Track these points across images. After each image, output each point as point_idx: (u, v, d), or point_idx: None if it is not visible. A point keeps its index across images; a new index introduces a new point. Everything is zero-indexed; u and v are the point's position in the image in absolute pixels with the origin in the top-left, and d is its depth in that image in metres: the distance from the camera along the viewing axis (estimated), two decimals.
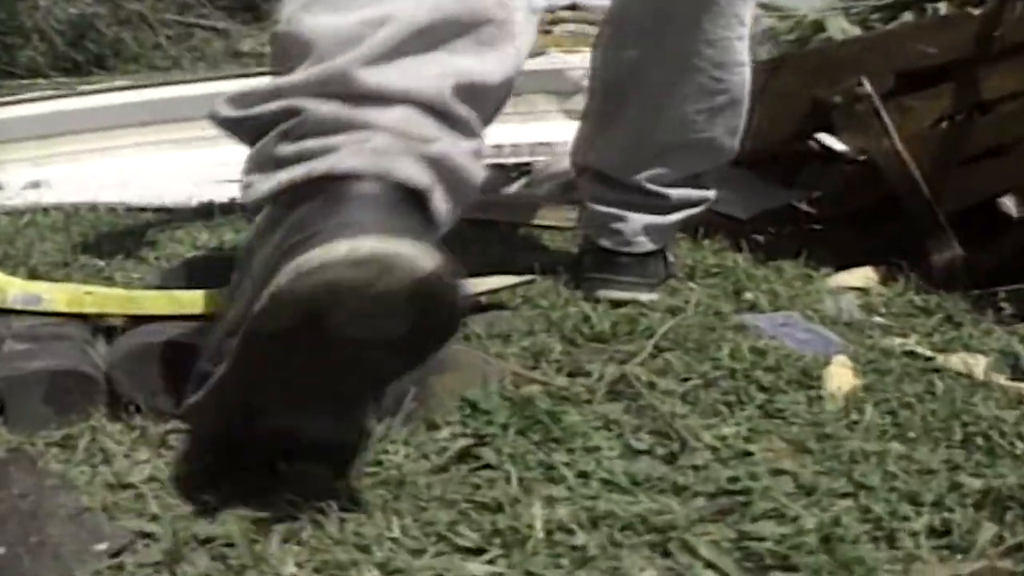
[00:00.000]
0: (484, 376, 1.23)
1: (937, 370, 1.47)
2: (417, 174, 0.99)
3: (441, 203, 1.02)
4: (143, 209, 2.19)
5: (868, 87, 1.99)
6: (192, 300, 1.28)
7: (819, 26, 2.22)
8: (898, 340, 1.58)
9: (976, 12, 2.00)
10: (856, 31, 2.25)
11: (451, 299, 0.92)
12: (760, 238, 2.07)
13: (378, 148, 0.98)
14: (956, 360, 1.51)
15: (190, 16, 5.23)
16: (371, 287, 0.88)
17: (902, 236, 2.08)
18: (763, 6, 2.75)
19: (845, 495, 1.08)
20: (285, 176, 0.99)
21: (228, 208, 2.20)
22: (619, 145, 1.68)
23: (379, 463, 1.06)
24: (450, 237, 1.04)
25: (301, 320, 0.89)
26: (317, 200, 0.95)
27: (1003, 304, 1.78)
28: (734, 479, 1.07)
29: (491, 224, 2.08)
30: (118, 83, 3.00)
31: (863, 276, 1.89)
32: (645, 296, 1.66)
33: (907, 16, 2.23)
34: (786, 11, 2.63)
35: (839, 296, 1.77)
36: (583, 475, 1.07)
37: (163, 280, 1.53)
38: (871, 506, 1.05)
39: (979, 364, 1.51)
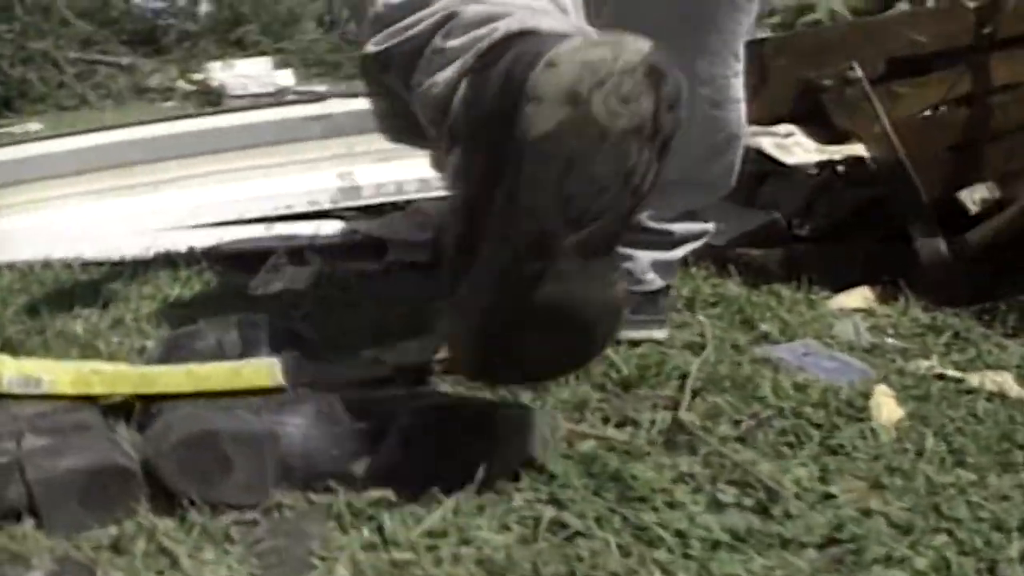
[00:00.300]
0: (543, 437, 1.15)
1: (970, 391, 1.46)
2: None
3: None
4: (100, 264, 2.06)
5: (859, 72, 1.97)
6: (212, 375, 1.20)
7: (806, 9, 2.19)
8: (924, 363, 1.56)
9: (971, 4, 1.98)
10: (845, 14, 2.24)
11: (675, 75, 1.02)
12: (745, 261, 2.03)
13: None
14: (985, 379, 1.50)
15: (93, 52, 5.06)
16: (616, 61, 0.96)
17: (885, 246, 2.08)
18: None
19: (938, 530, 1.07)
20: (469, 54, 1.07)
21: (191, 258, 2.09)
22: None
23: (465, 541, 0.99)
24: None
25: (570, 114, 0.96)
26: (512, 50, 1.03)
27: (1006, 316, 1.76)
28: (838, 526, 1.05)
29: None
30: (41, 130, 2.85)
31: (861, 296, 1.86)
32: (658, 333, 1.62)
33: (902, 5, 2.23)
34: None
35: (846, 319, 1.73)
36: (680, 535, 1.02)
37: (155, 348, 1.41)
38: (966, 539, 1.05)
39: (1007, 381, 1.50)
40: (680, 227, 1.66)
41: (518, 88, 0.97)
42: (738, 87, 1.60)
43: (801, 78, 2.06)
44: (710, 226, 1.70)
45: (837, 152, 3.00)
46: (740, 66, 1.60)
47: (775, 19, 2.26)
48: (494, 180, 1.02)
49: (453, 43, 1.10)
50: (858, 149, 3.13)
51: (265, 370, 1.20)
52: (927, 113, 2.02)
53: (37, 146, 2.51)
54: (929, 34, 1.99)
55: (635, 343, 1.57)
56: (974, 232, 1.89)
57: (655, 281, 1.64)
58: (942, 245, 1.90)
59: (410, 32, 1.17)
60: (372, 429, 1.08)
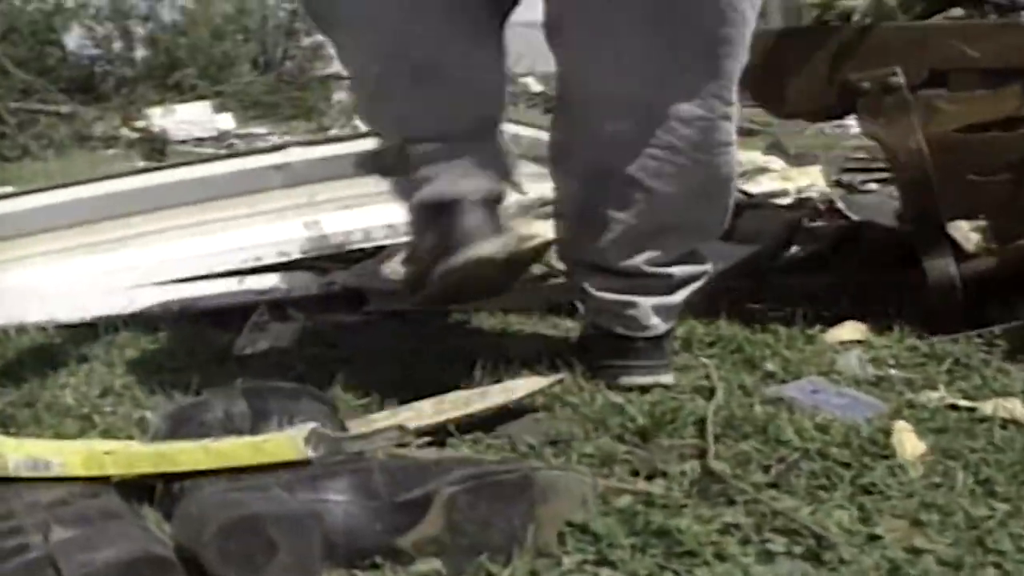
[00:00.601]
0: (583, 495, 1.13)
1: (984, 420, 1.46)
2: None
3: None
4: (75, 325, 2.00)
5: (902, 78, 1.85)
6: (233, 452, 1.16)
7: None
8: (933, 394, 1.55)
9: None
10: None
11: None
12: (733, 297, 2.01)
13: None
14: (996, 407, 1.50)
15: (32, 102, 4.95)
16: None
17: (871, 275, 2.09)
18: None
19: (985, 564, 1.08)
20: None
21: (166, 315, 2.03)
22: (608, 237, 1.60)
23: None
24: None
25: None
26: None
27: (999, 341, 1.77)
28: (892, 569, 1.05)
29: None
30: (6, 190, 2.78)
31: (855, 329, 1.85)
32: (665, 378, 1.60)
33: (956, 12, 2.11)
34: None
35: (847, 353, 1.73)
36: None
37: (161, 421, 1.36)
38: (1013, 570, 1.06)
39: (1017, 408, 1.50)
40: (679, 270, 1.64)
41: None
42: (726, 130, 1.58)
43: (836, 77, 1.90)
44: (708, 266, 1.69)
45: (800, 177, 3.04)
46: (731, 109, 1.57)
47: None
48: None
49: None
50: (815, 177, 3.17)
51: (289, 444, 1.16)
52: (962, 133, 1.89)
53: (5, 204, 2.43)
54: (982, 49, 1.85)
55: (644, 389, 1.56)
56: (980, 261, 1.89)
57: (659, 326, 1.62)
58: (952, 267, 1.86)
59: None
60: (414, 501, 1.05)
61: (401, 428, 1.23)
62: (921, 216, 1.91)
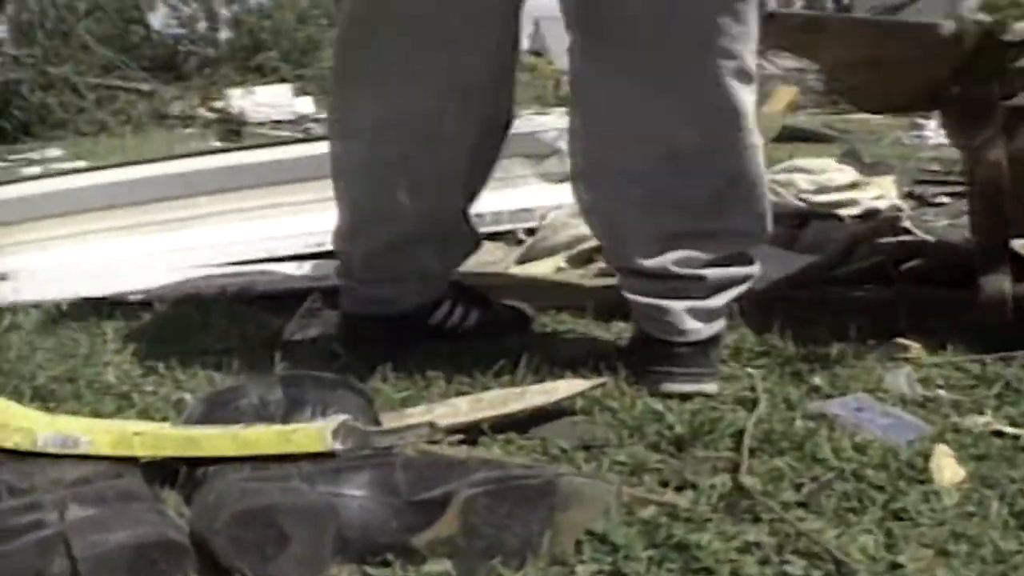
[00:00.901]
0: (606, 504, 1.12)
1: None
2: None
3: None
4: (129, 303, 2.03)
5: (996, 90, 1.79)
6: (260, 440, 1.17)
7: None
8: (979, 419, 1.51)
9: None
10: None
11: None
12: (788, 307, 1.98)
13: None
14: None
15: (113, 78, 5.04)
16: None
17: (928, 292, 2.04)
18: None
19: None
20: None
21: (222, 298, 2.05)
22: (628, 236, 1.61)
23: None
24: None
25: None
26: None
27: None
28: None
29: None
30: (79, 164, 2.83)
31: (907, 346, 1.81)
32: (709, 387, 1.58)
33: None
34: None
35: (896, 370, 1.69)
36: None
37: (196, 406, 1.37)
38: None
39: None
40: (713, 272, 1.60)
41: None
42: (746, 133, 1.56)
43: (927, 75, 1.84)
44: (753, 269, 1.65)
45: (871, 187, 2.98)
46: (741, 116, 1.55)
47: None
48: None
49: None
50: (887, 187, 3.11)
51: (316, 435, 1.16)
52: None
53: (62, 180, 2.48)
54: None
55: (686, 397, 1.54)
56: None
57: (701, 331, 1.60)
58: (1007, 285, 1.81)
59: None
60: (431, 501, 1.04)
61: (432, 425, 1.23)
62: (987, 230, 1.87)
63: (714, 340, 1.62)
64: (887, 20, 2.16)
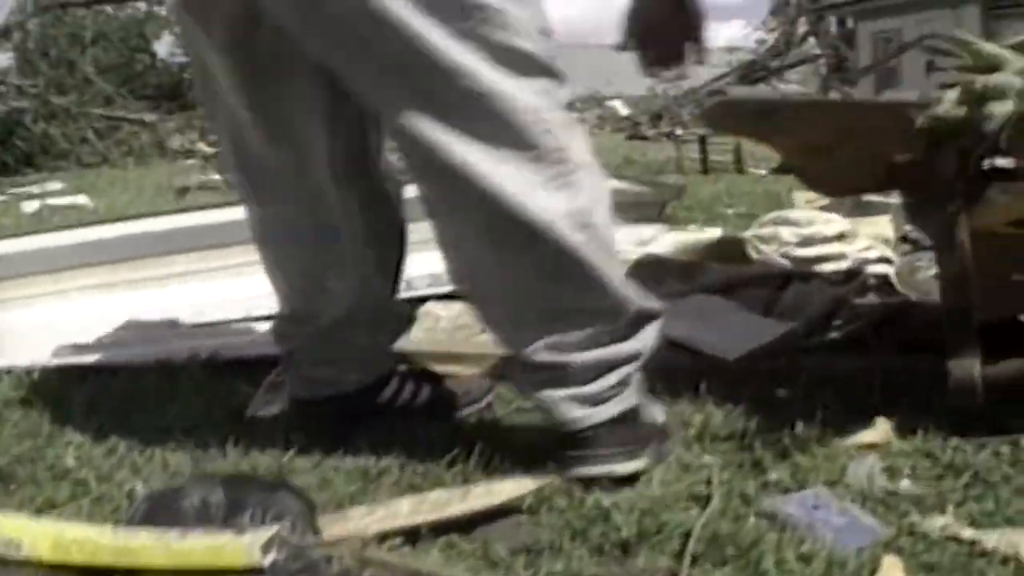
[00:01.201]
0: None
1: (983, 554, 1.39)
2: None
3: None
4: (110, 370, 2.03)
5: (952, 164, 1.72)
6: (191, 551, 1.18)
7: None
8: (939, 520, 1.49)
9: None
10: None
11: None
12: (758, 382, 1.97)
13: None
14: (1000, 540, 1.43)
15: (115, 109, 5.07)
16: None
17: (905, 361, 2.03)
18: None
19: None
20: None
21: (191, 364, 2.05)
22: (493, 325, 1.64)
23: None
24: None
25: None
26: None
27: None
28: None
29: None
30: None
31: (875, 432, 1.79)
32: (621, 468, 1.54)
33: None
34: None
35: (861, 460, 1.67)
36: None
37: (140, 503, 1.37)
38: None
39: (1022, 542, 1.43)
40: (580, 357, 1.55)
41: None
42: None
43: (882, 154, 1.79)
44: (636, 345, 1.58)
45: (863, 231, 2.95)
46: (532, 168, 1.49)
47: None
48: None
49: None
50: (882, 227, 3.07)
51: (245, 550, 1.16)
52: (1014, 227, 1.78)
53: (36, 239, 2.49)
54: None
55: (636, 492, 1.52)
56: (1008, 364, 1.81)
57: (589, 416, 1.55)
58: (976, 369, 1.77)
59: None
60: None
61: (364, 540, 1.23)
62: (954, 312, 1.84)
63: (621, 419, 1.57)
64: (851, 101, 2.15)
